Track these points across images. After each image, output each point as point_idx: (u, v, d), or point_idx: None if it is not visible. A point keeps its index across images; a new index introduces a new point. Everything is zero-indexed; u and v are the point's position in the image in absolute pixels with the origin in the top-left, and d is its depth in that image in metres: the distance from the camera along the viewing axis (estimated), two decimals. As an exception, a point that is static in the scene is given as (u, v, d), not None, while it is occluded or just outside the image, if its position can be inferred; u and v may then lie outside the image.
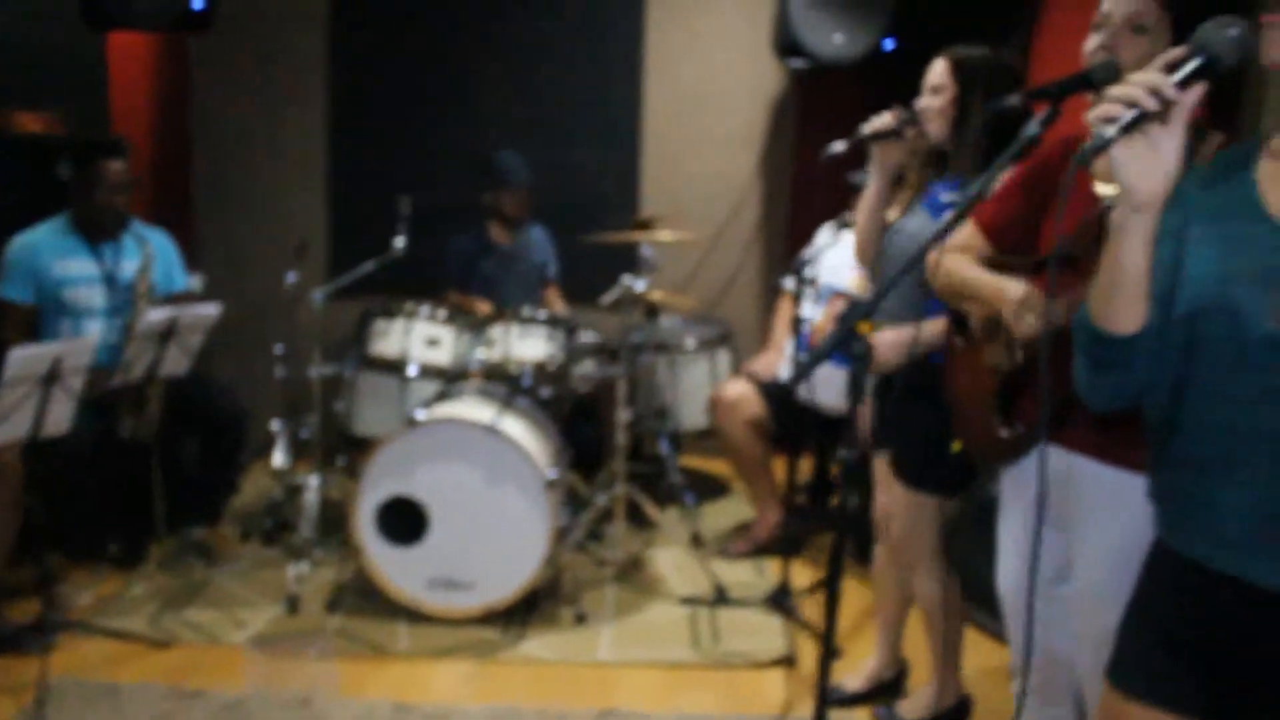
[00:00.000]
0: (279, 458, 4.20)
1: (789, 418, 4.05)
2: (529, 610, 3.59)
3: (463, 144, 5.05)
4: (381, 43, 5.05)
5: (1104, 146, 1.32)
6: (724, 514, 4.64)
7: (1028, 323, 1.98)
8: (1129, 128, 1.31)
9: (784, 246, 5.12)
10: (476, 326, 4.03)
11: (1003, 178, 2.42)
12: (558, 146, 5.10)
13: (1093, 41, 1.95)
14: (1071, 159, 1.38)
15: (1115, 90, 1.32)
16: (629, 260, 4.95)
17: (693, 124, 5.16)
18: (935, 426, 2.61)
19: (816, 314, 4.07)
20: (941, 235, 1.87)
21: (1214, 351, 1.39)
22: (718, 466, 5.03)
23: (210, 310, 3.56)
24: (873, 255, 2.97)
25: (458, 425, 3.49)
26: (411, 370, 3.95)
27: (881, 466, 3.04)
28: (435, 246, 4.51)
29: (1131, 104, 1.31)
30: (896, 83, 4.76)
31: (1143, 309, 1.42)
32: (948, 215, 1.89)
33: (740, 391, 4.15)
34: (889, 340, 2.70)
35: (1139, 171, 1.34)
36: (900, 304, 2.68)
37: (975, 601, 3.03)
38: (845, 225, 3.78)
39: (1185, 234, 1.45)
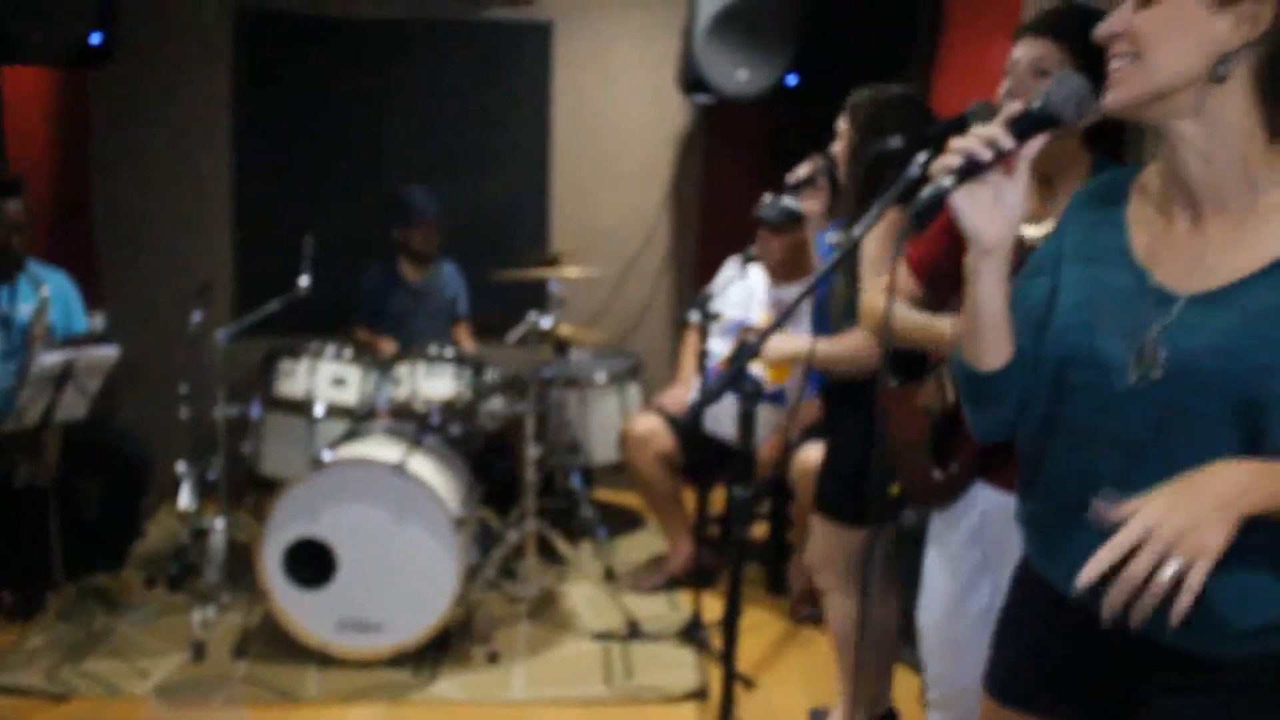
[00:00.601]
0: (185, 500, 4.11)
1: (699, 451, 4.09)
2: (440, 650, 3.56)
3: (371, 180, 5.02)
4: (288, 78, 5.01)
5: (941, 194, 1.37)
6: (637, 547, 4.66)
7: None
8: (964, 177, 1.36)
9: (693, 279, 5.18)
10: (383, 365, 4.02)
11: (890, 217, 2.50)
12: (467, 182, 5.09)
13: (1002, 87, 2.01)
14: (910, 204, 1.42)
15: (955, 142, 1.38)
16: (539, 296, 4.96)
17: (601, 159, 5.21)
18: (850, 457, 2.67)
19: (723, 347, 4.13)
20: (825, 274, 1.93)
21: (1080, 398, 1.43)
22: (629, 500, 5.05)
23: (108, 352, 3.50)
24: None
25: (364, 465, 3.47)
26: (318, 410, 3.91)
27: None
28: (343, 284, 4.49)
29: (968, 155, 1.36)
30: (800, 116, 4.90)
31: (1006, 346, 1.47)
32: (832, 256, 1.94)
33: (650, 425, 4.18)
34: (777, 344, 2.75)
35: (983, 219, 1.38)
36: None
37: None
38: (750, 259, 3.84)
39: (1059, 269, 1.49)
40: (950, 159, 1.37)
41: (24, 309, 3.66)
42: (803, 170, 2.89)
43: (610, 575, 4.25)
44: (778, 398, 4.03)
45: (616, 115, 5.18)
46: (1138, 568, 1.18)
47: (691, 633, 3.72)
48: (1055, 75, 1.42)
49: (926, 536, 2.35)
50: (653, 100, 5.14)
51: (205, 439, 4.27)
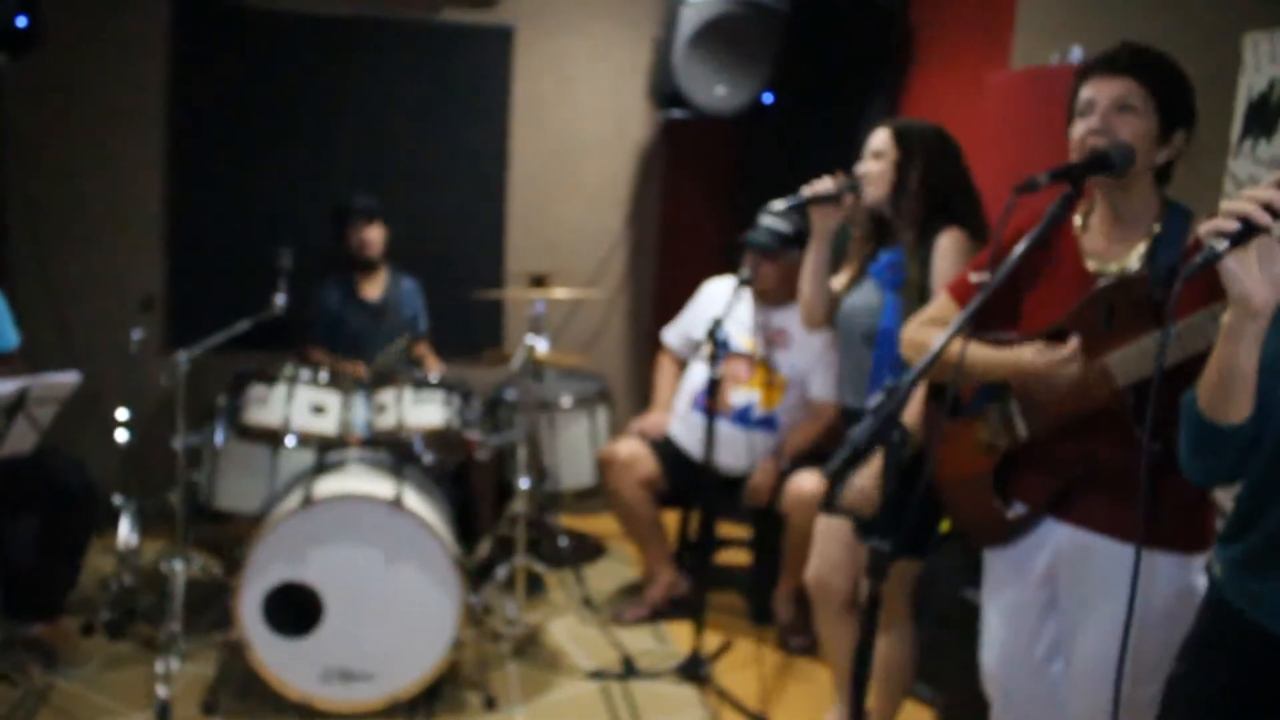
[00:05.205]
0: (125, 536, 3.73)
1: (683, 477, 3.96)
2: (433, 698, 3.33)
3: (319, 193, 4.62)
4: (228, 82, 4.59)
5: (1214, 259, 1.38)
6: (605, 575, 4.48)
7: (1070, 372, 1.98)
8: (1238, 241, 1.37)
9: (652, 299, 5.03)
10: (364, 391, 3.71)
11: (979, 258, 2.44)
12: (420, 192, 4.78)
13: (1081, 127, 1.98)
14: (1179, 271, 1.42)
15: (1228, 205, 1.38)
16: (490, 314, 4.73)
17: (561, 173, 4.99)
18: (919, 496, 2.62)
19: (703, 373, 3.99)
20: (968, 321, 1.87)
21: None
22: (593, 526, 4.89)
23: (69, 379, 3.11)
24: (821, 319, 2.97)
25: (356, 502, 3.21)
26: (290, 440, 3.58)
27: (828, 530, 3.00)
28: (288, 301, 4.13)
29: (1244, 218, 1.36)
30: (764, 135, 4.82)
31: (1249, 401, 1.51)
32: (972, 302, 1.89)
33: (633, 450, 4.02)
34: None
35: (1253, 282, 1.40)
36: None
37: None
38: (745, 283, 3.71)
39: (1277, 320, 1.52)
40: (1222, 222, 1.38)
41: (-47, 327, 3.24)
42: (827, 183, 2.83)
43: (589, 604, 4.07)
44: (769, 424, 3.93)
45: (578, 126, 4.95)
46: None
47: (691, 669, 3.59)
48: None
49: (982, 577, 2.31)
50: (615, 112, 4.96)
51: (145, 469, 3.90)
